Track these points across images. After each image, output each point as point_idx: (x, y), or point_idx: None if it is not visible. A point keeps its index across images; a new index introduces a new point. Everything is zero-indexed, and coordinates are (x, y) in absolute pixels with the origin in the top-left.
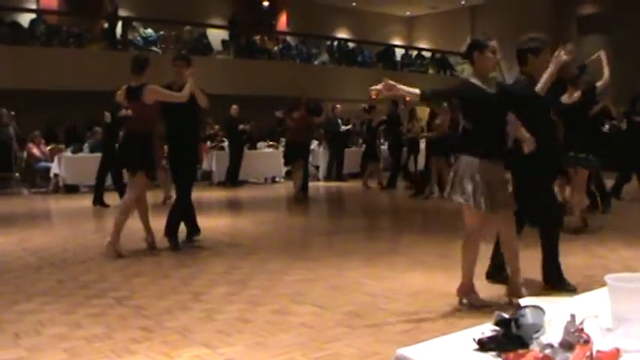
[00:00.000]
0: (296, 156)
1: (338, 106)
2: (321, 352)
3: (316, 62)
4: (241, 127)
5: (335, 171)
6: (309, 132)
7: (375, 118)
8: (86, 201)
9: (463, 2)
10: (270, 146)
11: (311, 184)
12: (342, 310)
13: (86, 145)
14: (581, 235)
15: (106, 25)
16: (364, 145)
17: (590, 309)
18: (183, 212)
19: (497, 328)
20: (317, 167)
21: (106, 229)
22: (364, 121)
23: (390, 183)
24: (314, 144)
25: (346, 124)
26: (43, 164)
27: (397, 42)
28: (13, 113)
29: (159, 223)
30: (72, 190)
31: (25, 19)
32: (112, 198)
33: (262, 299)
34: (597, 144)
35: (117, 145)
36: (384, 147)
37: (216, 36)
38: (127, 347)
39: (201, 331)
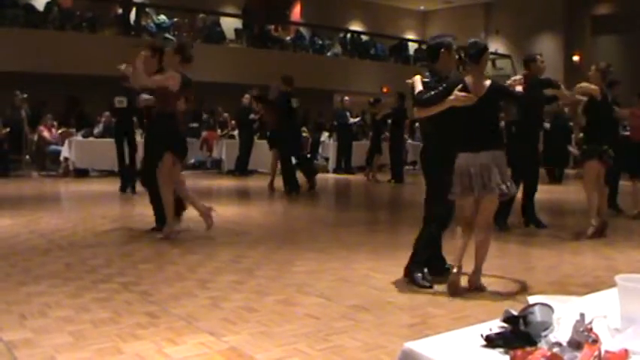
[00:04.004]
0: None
1: (346, 98)
2: (326, 344)
3: (329, 54)
4: (252, 116)
5: (343, 163)
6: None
7: (379, 112)
8: (95, 185)
9: None
10: None
11: (321, 175)
12: (348, 303)
13: (97, 130)
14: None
15: (119, 11)
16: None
17: (600, 309)
18: None
19: (505, 324)
20: (326, 159)
21: (115, 214)
22: (370, 114)
23: (396, 177)
24: (324, 136)
25: (355, 117)
26: (53, 147)
27: (410, 36)
28: (25, 96)
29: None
30: (82, 174)
31: (39, 2)
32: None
33: (268, 289)
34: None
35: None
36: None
37: (230, 24)
38: (133, 332)
39: (207, 318)
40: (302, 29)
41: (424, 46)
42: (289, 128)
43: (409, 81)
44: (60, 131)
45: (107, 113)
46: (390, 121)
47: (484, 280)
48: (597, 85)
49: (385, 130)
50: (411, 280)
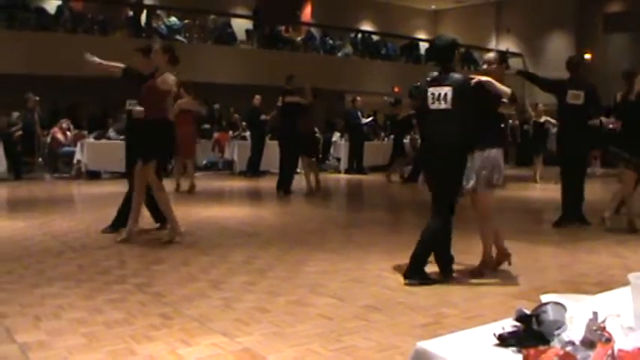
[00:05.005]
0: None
1: (358, 98)
2: (339, 344)
3: (339, 54)
4: (263, 117)
5: (355, 164)
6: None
7: (400, 112)
8: (108, 187)
9: None
10: None
11: (332, 176)
12: (361, 303)
13: (113, 133)
14: (605, 235)
15: (130, 13)
16: (386, 139)
17: (613, 307)
18: None
19: (517, 323)
20: (338, 159)
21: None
22: (389, 114)
23: (412, 177)
24: (336, 136)
25: (368, 117)
26: (66, 149)
27: (421, 36)
28: (37, 98)
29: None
30: (94, 176)
31: (51, 5)
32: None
33: (281, 289)
34: None
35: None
36: (406, 140)
37: (240, 25)
38: (146, 333)
39: (220, 319)
40: (313, 30)
41: (434, 45)
42: (281, 127)
43: (484, 80)
44: (74, 133)
45: (124, 116)
46: (414, 121)
47: (498, 279)
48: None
49: (408, 131)
50: (420, 281)
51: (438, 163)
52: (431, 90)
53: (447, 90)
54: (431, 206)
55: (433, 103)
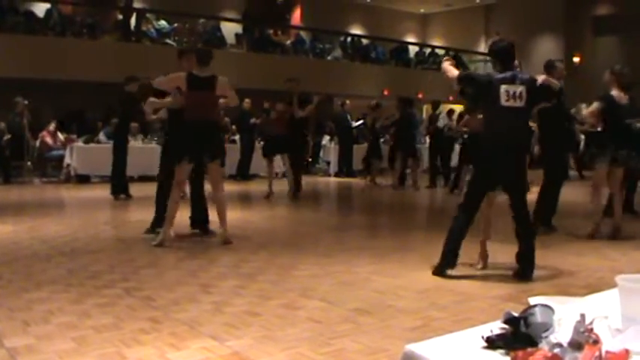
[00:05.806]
0: (275, 150)
1: (347, 101)
2: (329, 348)
3: (329, 58)
4: (253, 120)
5: (345, 167)
6: (290, 126)
7: (381, 116)
8: (97, 191)
9: (478, 0)
10: None
11: (322, 179)
12: (351, 306)
13: (104, 137)
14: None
15: (120, 17)
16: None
17: (600, 309)
18: None
19: (506, 326)
20: (328, 163)
21: (117, 220)
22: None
23: (401, 181)
24: (325, 139)
25: (357, 120)
26: (55, 153)
27: (411, 39)
28: (26, 102)
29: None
30: (83, 179)
31: (40, 8)
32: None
33: (271, 293)
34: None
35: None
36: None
37: (230, 29)
38: (135, 338)
39: (210, 323)
40: (302, 33)
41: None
42: None
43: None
44: (64, 136)
45: (115, 120)
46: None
47: (487, 282)
48: (617, 90)
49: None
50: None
51: (515, 160)
52: (504, 87)
53: (521, 89)
54: (510, 204)
55: (507, 100)
